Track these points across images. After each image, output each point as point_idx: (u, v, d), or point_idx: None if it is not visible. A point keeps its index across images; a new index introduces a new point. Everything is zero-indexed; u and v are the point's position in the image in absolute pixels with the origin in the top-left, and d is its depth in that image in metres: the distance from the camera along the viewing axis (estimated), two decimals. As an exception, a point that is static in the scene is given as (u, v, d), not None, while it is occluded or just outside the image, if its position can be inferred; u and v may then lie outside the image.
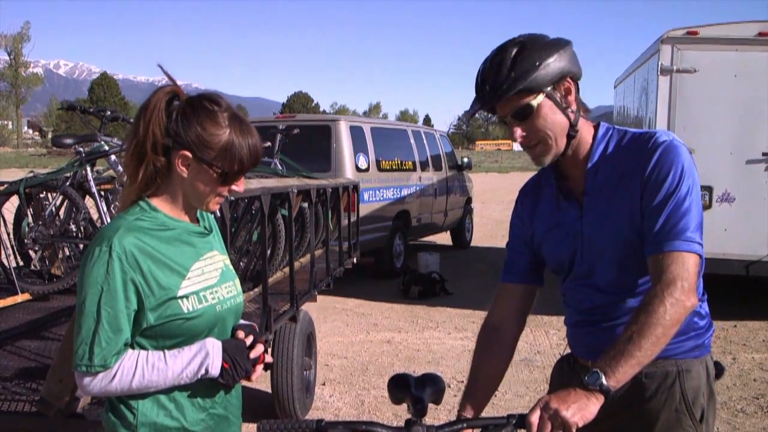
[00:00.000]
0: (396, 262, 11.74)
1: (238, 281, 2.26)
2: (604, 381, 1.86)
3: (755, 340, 7.56)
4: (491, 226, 18.34)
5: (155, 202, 2.05)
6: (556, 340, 7.66)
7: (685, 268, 1.97)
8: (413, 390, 2.57)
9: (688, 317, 2.14)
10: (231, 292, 2.18)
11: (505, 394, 6.05)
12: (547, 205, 2.29)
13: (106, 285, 1.91)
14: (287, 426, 1.90)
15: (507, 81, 2.01)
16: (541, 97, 2.03)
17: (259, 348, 2.16)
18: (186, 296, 2.02)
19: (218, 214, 4.09)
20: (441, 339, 7.93)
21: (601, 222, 2.15)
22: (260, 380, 5.91)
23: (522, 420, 1.85)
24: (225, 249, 2.30)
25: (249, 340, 2.15)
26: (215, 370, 2.04)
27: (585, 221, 2.18)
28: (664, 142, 2.07)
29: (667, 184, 2.02)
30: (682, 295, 1.94)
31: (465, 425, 1.93)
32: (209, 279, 2.11)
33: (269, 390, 5.29)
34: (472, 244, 15.65)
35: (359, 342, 7.86)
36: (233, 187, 2.07)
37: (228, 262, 2.26)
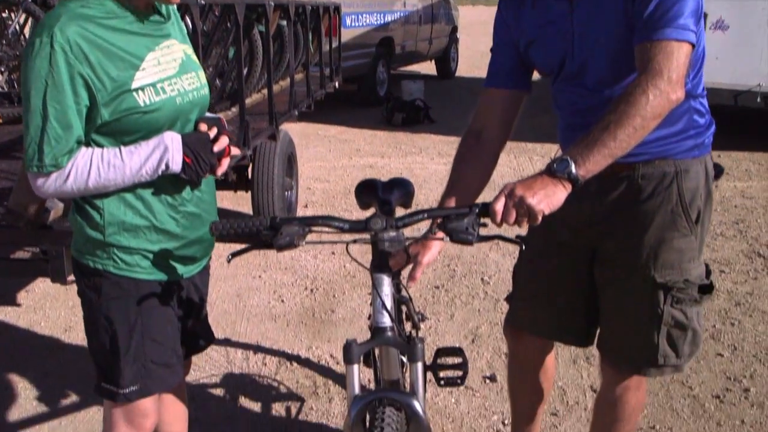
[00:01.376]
0: (379, 90, 11.51)
1: (202, 73, 2.09)
2: (573, 169, 1.75)
3: (738, 170, 7.55)
4: (477, 57, 17.91)
5: None
6: (540, 166, 7.59)
7: (674, 58, 1.81)
8: (380, 193, 2.48)
9: (688, 115, 2.02)
10: (193, 84, 2.01)
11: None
12: (534, 4, 2.12)
13: (50, 79, 1.75)
14: (240, 224, 1.80)
15: None
16: None
17: (224, 140, 2.03)
18: (141, 88, 1.86)
19: (189, 23, 3.87)
20: (424, 164, 7.87)
21: (593, 15, 1.99)
22: (240, 201, 5.94)
23: (486, 209, 1.75)
24: (186, 38, 2.11)
25: (213, 133, 2.02)
26: (176, 166, 1.92)
27: (576, 16, 2.02)
28: None
29: None
30: (668, 87, 1.79)
31: (426, 215, 1.82)
32: (167, 70, 1.93)
33: (250, 212, 5.24)
34: (457, 74, 15.35)
35: (341, 167, 7.79)
36: None
37: (190, 51, 2.07)
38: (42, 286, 4.64)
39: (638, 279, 2.11)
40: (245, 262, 5.06)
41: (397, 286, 2.60)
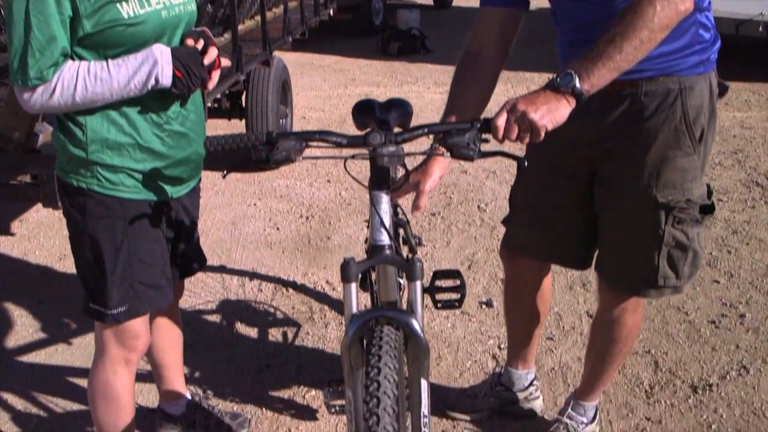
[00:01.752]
0: (375, 19, 11.30)
1: None
2: (577, 83, 1.70)
3: (738, 100, 7.47)
4: (474, -15, 17.62)
5: None
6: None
7: None
8: (378, 113, 2.42)
9: (693, 29, 1.95)
10: None
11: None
12: None
13: None
14: (236, 139, 1.75)
15: None
16: None
17: (213, 52, 1.96)
18: (125, 0, 1.79)
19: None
20: (420, 93, 7.77)
21: None
22: (234, 130, 5.86)
23: (487, 124, 1.70)
24: None
25: (200, 45, 1.95)
26: (166, 80, 1.86)
27: None
28: None
29: None
30: None
31: (426, 130, 1.77)
32: None
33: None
34: (454, 4, 15.05)
35: (337, 96, 7.69)
36: None
37: None
38: (36, 215, 4.61)
39: (639, 199, 2.07)
40: (240, 191, 5.02)
41: (394, 209, 2.57)
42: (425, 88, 8.01)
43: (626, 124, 2.02)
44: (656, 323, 3.36)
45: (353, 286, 1.77)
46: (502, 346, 3.18)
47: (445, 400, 2.78)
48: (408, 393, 1.82)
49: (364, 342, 1.75)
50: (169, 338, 2.50)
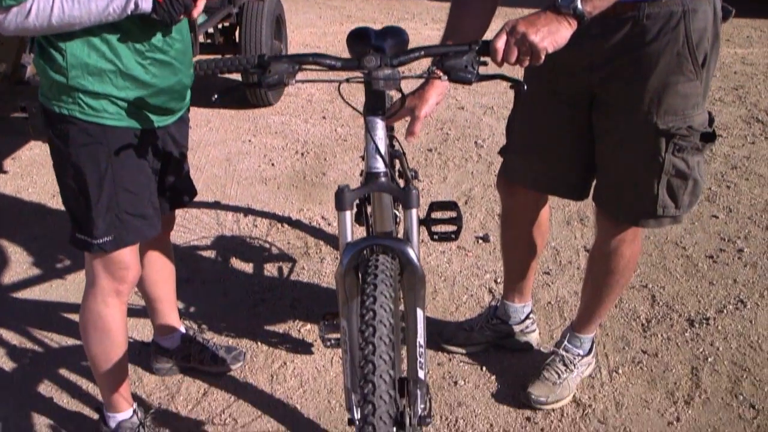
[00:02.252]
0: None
1: None
2: (579, 5, 1.63)
3: (740, 36, 7.35)
4: None
5: None
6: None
7: None
8: (373, 41, 2.35)
9: None
10: None
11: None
12: None
13: None
14: (227, 62, 1.69)
15: None
16: None
17: None
18: None
19: None
20: (417, 29, 7.63)
21: None
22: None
23: (486, 46, 1.64)
24: None
25: None
26: (146, 4, 1.78)
27: None
28: None
29: None
30: None
31: (423, 53, 1.71)
32: None
33: (238, 78, 5.08)
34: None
35: (332, 33, 7.56)
36: None
37: None
38: (29, 153, 4.55)
39: (639, 126, 2.02)
40: (234, 127, 4.96)
41: (390, 140, 2.52)
42: (422, 25, 7.88)
43: (627, 48, 1.96)
44: (654, 258, 3.35)
45: (348, 214, 1.73)
46: (498, 280, 3.16)
47: (441, 334, 2.77)
48: (404, 324, 1.80)
49: (359, 272, 1.72)
50: (161, 271, 2.47)
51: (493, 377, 2.62)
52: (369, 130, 1.74)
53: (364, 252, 1.74)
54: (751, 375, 2.62)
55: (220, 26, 5.23)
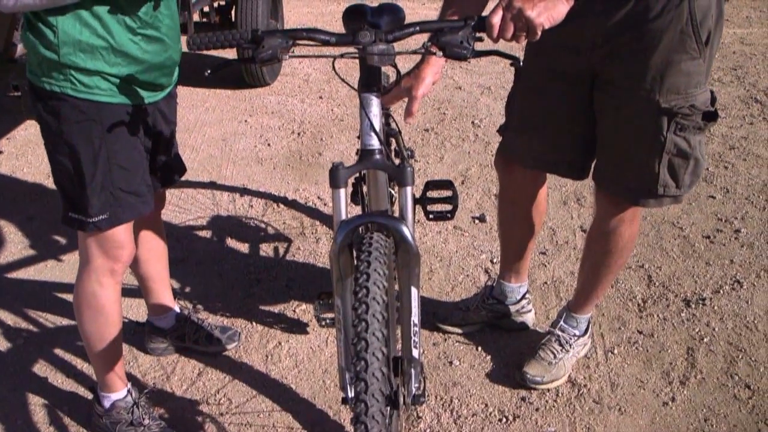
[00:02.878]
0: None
1: None
2: None
3: (738, 17, 7.32)
4: None
5: None
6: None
7: None
8: (369, 18, 2.33)
9: None
10: None
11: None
12: None
13: None
14: (220, 37, 1.67)
15: None
16: None
17: None
18: None
19: None
20: (414, 9, 7.56)
21: None
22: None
23: (482, 22, 1.62)
24: None
25: None
26: None
27: None
28: None
29: None
30: None
31: (418, 28, 1.68)
32: None
33: (234, 56, 5.06)
34: None
35: (329, 13, 7.50)
36: None
37: None
38: (24, 133, 4.53)
39: (641, 104, 2.00)
40: (230, 107, 4.93)
41: (386, 119, 2.50)
42: (420, 4, 7.82)
43: (630, 25, 1.94)
44: (650, 238, 3.34)
45: (342, 191, 1.72)
46: (494, 260, 3.15)
47: (436, 314, 2.76)
48: (399, 303, 1.79)
49: (353, 250, 1.71)
50: (154, 250, 2.46)
51: (489, 357, 2.62)
52: (364, 107, 1.72)
53: (359, 230, 1.72)
54: (747, 355, 2.62)
55: (216, 5, 5.19)
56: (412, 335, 1.73)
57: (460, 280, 3.06)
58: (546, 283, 3.03)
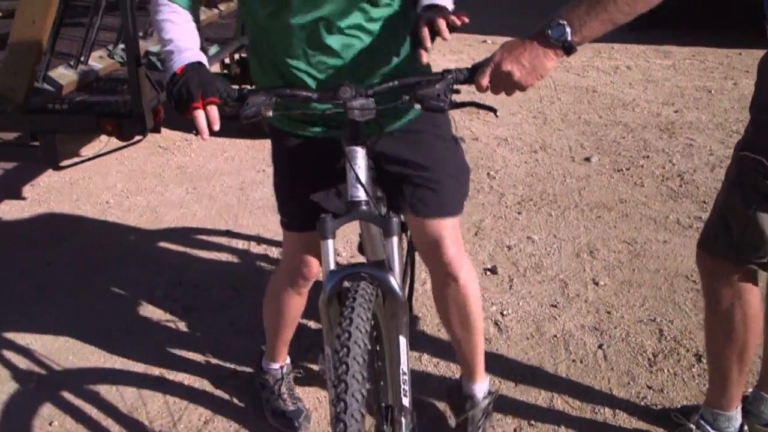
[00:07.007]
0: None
1: None
2: (569, 36, 1.62)
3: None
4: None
5: None
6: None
7: None
8: None
9: None
10: None
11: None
12: None
13: None
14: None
15: None
16: None
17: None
18: None
19: None
20: (435, 60, 7.65)
21: None
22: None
23: (471, 75, 1.68)
24: None
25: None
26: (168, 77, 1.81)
27: None
28: None
29: None
30: None
31: (397, 83, 1.75)
32: None
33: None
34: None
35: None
36: None
37: None
38: (47, 180, 4.63)
39: None
40: (249, 157, 5.01)
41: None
42: (440, 56, 7.89)
43: None
44: (663, 291, 3.32)
45: (330, 242, 1.77)
46: (504, 312, 3.15)
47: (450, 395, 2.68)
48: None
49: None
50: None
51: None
52: (349, 159, 1.77)
53: (348, 279, 1.77)
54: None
55: (236, 57, 5.30)
56: (401, 383, 1.75)
57: (470, 331, 3.05)
58: (555, 336, 3.02)
